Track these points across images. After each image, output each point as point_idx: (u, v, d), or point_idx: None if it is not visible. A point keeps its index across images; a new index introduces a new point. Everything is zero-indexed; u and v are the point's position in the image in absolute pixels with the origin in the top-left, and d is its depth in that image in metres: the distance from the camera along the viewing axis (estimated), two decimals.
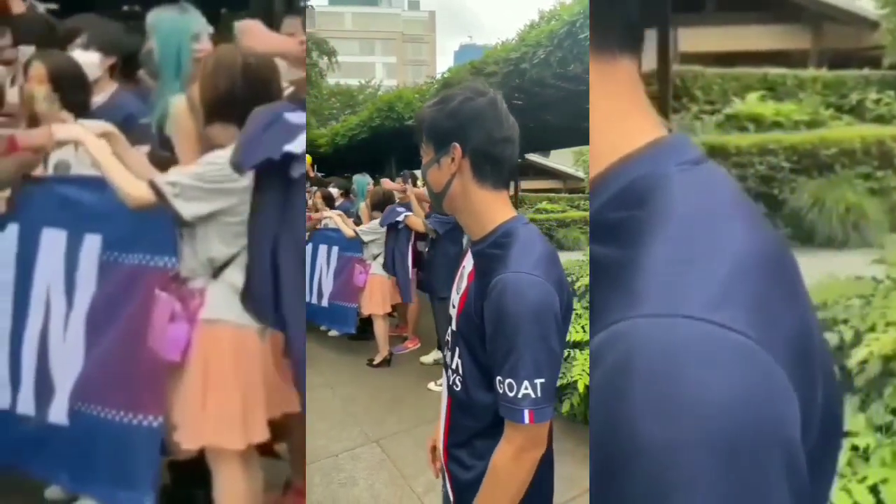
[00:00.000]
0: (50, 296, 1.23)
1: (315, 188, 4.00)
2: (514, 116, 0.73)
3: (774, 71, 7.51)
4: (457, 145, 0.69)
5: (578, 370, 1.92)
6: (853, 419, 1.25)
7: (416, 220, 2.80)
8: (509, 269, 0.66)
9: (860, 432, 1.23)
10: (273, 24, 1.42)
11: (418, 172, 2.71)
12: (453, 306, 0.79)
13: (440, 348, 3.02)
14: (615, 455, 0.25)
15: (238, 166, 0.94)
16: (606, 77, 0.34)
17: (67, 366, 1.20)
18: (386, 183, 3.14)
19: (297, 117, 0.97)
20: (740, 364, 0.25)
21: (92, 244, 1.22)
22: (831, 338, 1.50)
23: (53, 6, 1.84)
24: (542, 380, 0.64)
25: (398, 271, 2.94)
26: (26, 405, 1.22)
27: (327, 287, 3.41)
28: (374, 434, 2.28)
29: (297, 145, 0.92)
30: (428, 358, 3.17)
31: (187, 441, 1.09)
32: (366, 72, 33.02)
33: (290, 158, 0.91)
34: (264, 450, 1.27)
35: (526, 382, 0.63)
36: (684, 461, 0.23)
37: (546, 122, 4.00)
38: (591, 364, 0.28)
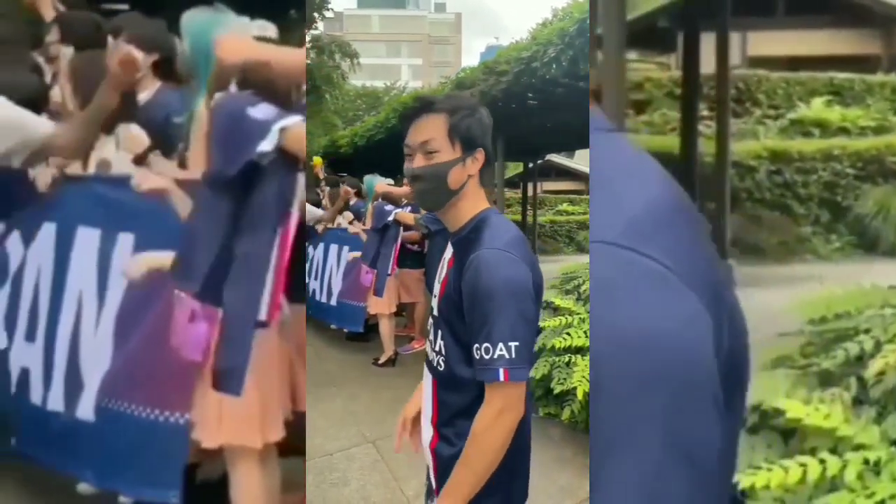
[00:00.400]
0: (82, 294, 1.29)
1: (328, 187, 4.19)
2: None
3: (841, 75, 7.30)
4: (482, 149, 0.82)
5: (578, 377, 1.90)
6: (866, 431, 1.23)
7: (407, 215, 2.88)
8: (483, 246, 0.75)
9: (874, 445, 1.20)
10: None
11: None
12: (435, 295, 0.87)
13: None
14: None
15: (221, 176, 1.01)
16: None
17: (97, 363, 1.26)
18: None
19: (260, 112, 1.01)
20: (654, 286, 0.28)
21: (125, 243, 1.28)
22: (852, 348, 1.46)
23: (124, 7, 1.89)
24: (517, 343, 0.71)
25: (379, 266, 3.05)
26: (56, 401, 1.28)
27: (337, 286, 3.56)
28: (371, 434, 2.36)
29: (269, 143, 0.97)
30: None
31: (206, 439, 1.13)
32: (392, 74, 33.86)
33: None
34: (293, 449, 1.30)
35: (500, 344, 0.71)
36: (607, 377, 0.27)
37: (566, 123, 4.00)
38: None
